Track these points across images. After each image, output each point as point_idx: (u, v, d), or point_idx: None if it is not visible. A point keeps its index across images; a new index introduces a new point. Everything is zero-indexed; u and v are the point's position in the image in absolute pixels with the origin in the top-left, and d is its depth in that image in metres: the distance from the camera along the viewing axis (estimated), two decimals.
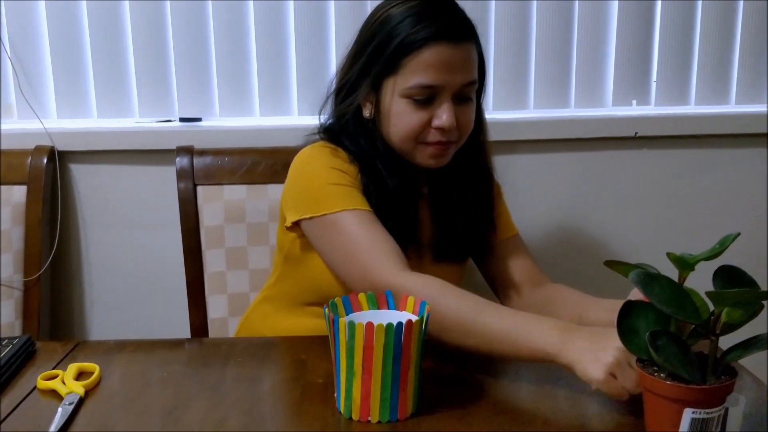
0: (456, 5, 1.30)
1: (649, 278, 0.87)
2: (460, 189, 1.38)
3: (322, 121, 1.39)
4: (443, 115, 1.25)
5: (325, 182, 1.27)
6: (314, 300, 1.35)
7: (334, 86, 1.37)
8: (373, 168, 1.31)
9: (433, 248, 1.38)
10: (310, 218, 1.26)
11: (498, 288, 1.46)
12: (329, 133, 1.37)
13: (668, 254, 0.88)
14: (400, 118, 1.27)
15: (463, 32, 1.26)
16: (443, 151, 1.29)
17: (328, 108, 1.38)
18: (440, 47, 1.23)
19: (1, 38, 1.75)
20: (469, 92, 1.28)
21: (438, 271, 1.22)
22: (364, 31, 1.32)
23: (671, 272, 0.89)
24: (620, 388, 0.95)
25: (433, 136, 1.28)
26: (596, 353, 0.97)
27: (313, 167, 1.31)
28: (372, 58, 1.28)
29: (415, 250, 1.33)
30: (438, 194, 1.38)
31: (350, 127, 1.33)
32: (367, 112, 1.32)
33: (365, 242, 1.21)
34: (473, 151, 1.38)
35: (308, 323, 1.37)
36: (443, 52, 1.23)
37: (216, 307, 1.66)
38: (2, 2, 1.75)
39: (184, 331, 1.67)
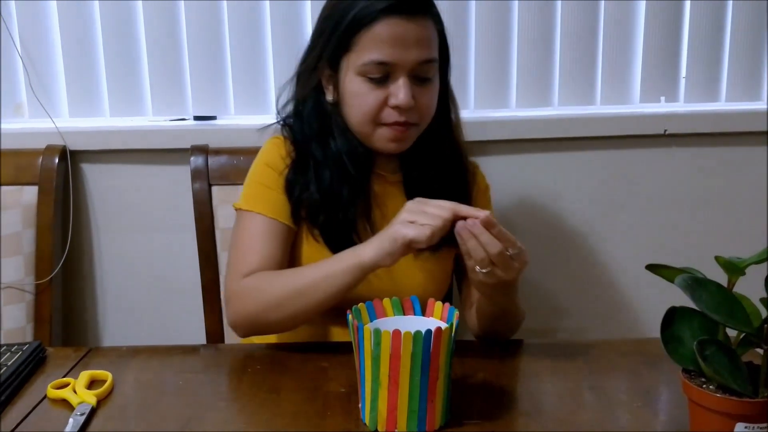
0: None
1: (696, 284, 0.82)
2: (433, 174, 1.33)
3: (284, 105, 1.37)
4: (399, 93, 1.21)
5: (253, 179, 1.32)
6: None
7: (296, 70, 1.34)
8: (314, 157, 1.29)
9: None
10: (236, 208, 1.31)
11: (462, 302, 1.39)
12: (287, 120, 1.35)
13: (717, 258, 0.83)
14: (356, 98, 1.24)
15: (417, 6, 1.21)
16: (402, 133, 1.25)
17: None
18: (392, 21, 1.19)
19: (12, 36, 1.71)
20: (427, 71, 1.24)
21: (421, 262, 1.27)
22: (323, 10, 1.29)
23: (713, 277, 0.84)
24: (423, 225, 1.03)
25: (390, 116, 1.23)
26: (389, 227, 1.07)
27: (256, 162, 1.34)
28: (328, 36, 1.25)
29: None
30: (411, 180, 1.33)
31: (306, 110, 1.31)
32: (329, 96, 1.29)
33: (242, 247, 1.27)
34: (444, 135, 1.34)
35: (302, 332, 1.32)
36: (396, 26, 1.19)
37: None
38: (14, 1, 1.71)
39: (199, 336, 1.63)
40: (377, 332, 0.89)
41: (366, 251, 1.10)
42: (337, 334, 1.30)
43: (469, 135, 1.71)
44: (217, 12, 1.72)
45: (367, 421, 0.94)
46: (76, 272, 1.80)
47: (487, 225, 1.03)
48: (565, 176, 1.79)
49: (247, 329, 1.23)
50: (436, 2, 1.28)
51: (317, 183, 1.27)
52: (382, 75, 1.21)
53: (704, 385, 0.82)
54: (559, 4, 1.74)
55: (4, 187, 1.65)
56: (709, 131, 1.77)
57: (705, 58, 1.78)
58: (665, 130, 1.75)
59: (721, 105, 1.80)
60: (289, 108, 1.35)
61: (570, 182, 1.80)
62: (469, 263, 1.05)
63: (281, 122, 1.36)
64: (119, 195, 1.77)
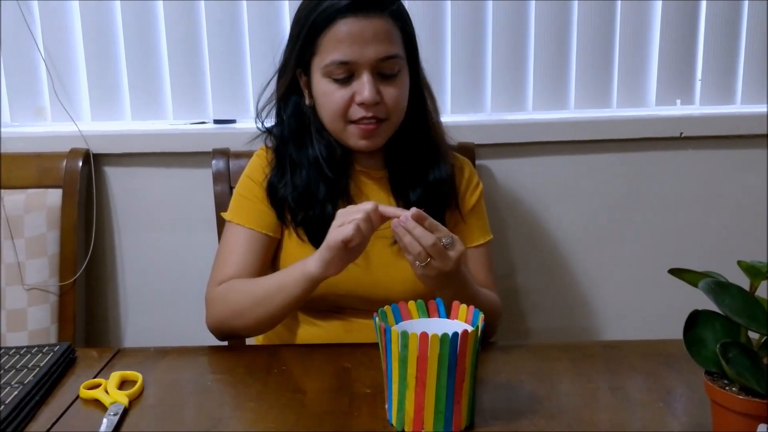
0: None
1: (719, 287, 0.84)
2: (415, 169, 1.37)
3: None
4: (363, 90, 1.25)
5: (236, 191, 1.40)
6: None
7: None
8: (292, 159, 1.35)
9: None
10: (225, 218, 1.39)
11: None
12: (271, 128, 1.41)
13: (739, 262, 0.84)
14: (324, 98, 1.29)
15: (371, 5, 1.24)
16: (372, 130, 1.29)
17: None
18: (348, 21, 1.24)
19: (36, 42, 1.74)
20: (390, 67, 1.27)
21: (399, 259, 1.27)
22: (294, 14, 1.33)
23: (730, 279, 0.86)
24: (349, 223, 1.10)
25: (357, 113, 1.28)
26: (327, 237, 1.13)
27: (243, 174, 1.41)
28: (295, 41, 1.31)
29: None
30: (395, 176, 1.38)
31: (286, 114, 1.37)
32: (307, 99, 1.35)
33: (221, 255, 1.36)
34: (422, 129, 1.37)
35: (305, 333, 1.38)
36: (352, 25, 1.24)
37: None
38: (37, 5, 1.73)
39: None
40: (405, 334, 0.91)
41: (310, 264, 1.17)
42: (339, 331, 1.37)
43: (486, 138, 1.75)
44: (237, 17, 1.74)
45: (393, 421, 0.96)
46: (98, 273, 1.82)
47: (419, 219, 1.09)
48: (581, 179, 1.81)
49: (219, 333, 1.33)
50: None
51: (294, 183, 1.33)
52: (346, 74, 1.26)
53: (727, 387, 0.83)
54: (575, 7, 1.75)
55: (29, 190, 1.68)
56: (724, 134, 1.78)
57: (720, 61, 1.79)
58: (681, 133, 1.76)
59: (737, 108, 1.81)
60: (273, 114, 1.41)
61: (586, 185, 1.81)
62: (408, 259, 1.11)
63: (263, 130, 1.42)
64: (141, 197, 1.79)
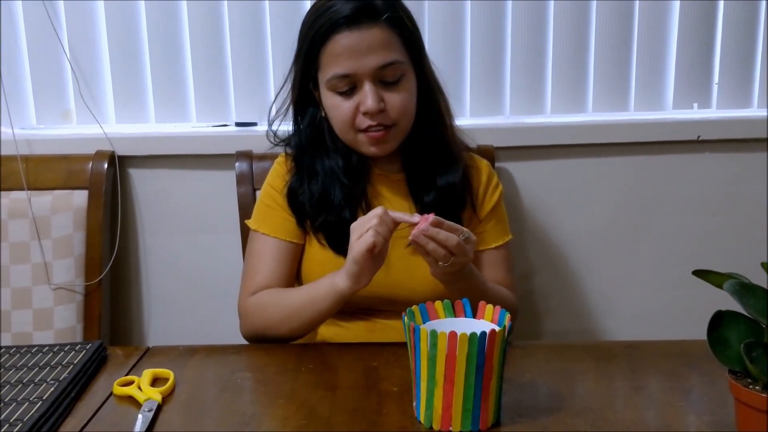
0: None
1: (744, 289, 0.86)
2: (432, 170, 1.39)
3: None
4: (366, 100, 1.28)
5: (260, 200, 1.45)
6: None
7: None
8: (309, 168, 1.39)
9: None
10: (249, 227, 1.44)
11: None
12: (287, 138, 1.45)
13: (763, 264, 0.86)
14: (333, 111, 1.33)
15: (363, 15, 1.26)
16: (382, 137, 1.31)
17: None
18: (343, 35, 1.26)
19: (62, 45, 1.77)
20: (392, 74, 1.29)
21: (416, 260, 1.28)
22: (299, 30, 1.36)
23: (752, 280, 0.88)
24: (367, 232, 1.13)
25: (364, 122, 1.30)
26: (348, 253, 1.17)
27: (264, 184, 1.45)
28: (298, 58, 1.35)
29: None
30: (413, 178, 1.40)
31: (302, 125, 1.41)
32: (322, 112, 1.38)
33: (250, 266, 1.41)
34: (436, 130, 1.39)
35: (328, 333, 1.41)
36: (346, 39, 1.26)
37: None
38: (63, 9, 1.76)
39: (241, 336, 1.67)
40: (434, 333, 0.93)
41: (339, 281, 1.22)
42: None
43: (505, 141, 1.76)
44: (260, 20, 1.77)
45: (422, 419, 0.98)
46: (123, 274, 1.85)
47: (437, 224, 1.13)
48: (599, 181, 1.82)
49: (254, 341, 1.37)
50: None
51: (311, 191, 1.37)
52: (349, 86, 1.29)
53: (751, 386, 0.85)
54: (593, 10, 1.77)
55: (56, 192, 1.71)
56: (742, 137, 1.79)
57: (738, 65, 1.81)
58: (698, 136, 1.78)
59: (754, 111, 1.82)
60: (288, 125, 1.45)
61: (604, 187, 1.83)
62: (428, 260, 1.16)
63: (276, 143, 1.46)
64: (165, 199, 1.82)
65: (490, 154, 1.72)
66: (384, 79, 1.29)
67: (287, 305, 1.30)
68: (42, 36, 1.77)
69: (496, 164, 1.75)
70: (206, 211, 1.82)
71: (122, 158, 1.78)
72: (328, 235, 1.37)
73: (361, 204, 1.37)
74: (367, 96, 1.28)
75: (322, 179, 1.37)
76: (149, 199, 1.82)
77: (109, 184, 1.74)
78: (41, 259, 1.69)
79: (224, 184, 1.76)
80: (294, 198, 1.39)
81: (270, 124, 1.45)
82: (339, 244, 1.34)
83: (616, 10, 1.77)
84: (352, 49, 1.26)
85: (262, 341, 1.34)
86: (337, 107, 1.31)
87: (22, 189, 1.70)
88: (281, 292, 1.34)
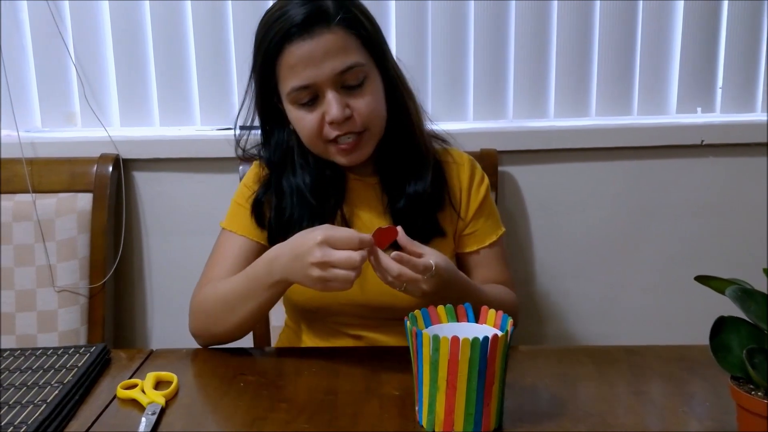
0: None
1: (745, 294, 0.86)
2: (405, 171, 1.33)
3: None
4: (330, 109, 1.22)
5: (234, 199, 1.40)
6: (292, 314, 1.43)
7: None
8: (278, 185, 1.34)
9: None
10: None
11: None
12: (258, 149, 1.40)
13: (765, 270, 0.86)
14: (298, 124, 1.27)
15: (314, 21, 1.19)
16: (353, 146, 1.26)
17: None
18: (295, 46, 1.20)
19: (68, 48, 1.77)
20: (353, 78, 1.23)
21: None
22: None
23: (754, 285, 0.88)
24: (333, 287, 1.07)
25: (332, 132, 1.24)
26: (300, 262, 1.08)
27: (240, 183, 1.42)
28: (255, 72, 1.28)
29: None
30: (387, 181, 1.35)
31: (270, 139, 1.36)
32: (290, 125, 1.31)
33: (209, 262, 1.36)
34: (406, 130, 1.33)
35: (308, 340, 1.40)
36: (299, 49, 1.20)
37: (278, 316, 1.66)
38: (68, 12, 1.77)
39: (245, 340, 1.67)
40: (436, 338, 0.93)
41: (278, 271, 1.15)
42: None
43: (508, 145, 1.77)
44: None
45: (424, 423, 0.98)
46: (127, 276, 1.86)
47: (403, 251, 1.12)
48: (601, 185, 1.83)
49: (201, 341, 1.32)
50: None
51: (279, 208, 1.32)
52: (310, 97, 1.23)
53: (752, 392, 0.85)
54: (597, 15, 1.77)
55: (60, 194, 1.72)
56: (745, 141, 1.79)
57: (741, 69, 1.81)
58: (702, 141, 1.78)
59: (758, 115, 1.83)
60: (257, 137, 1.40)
61: (607, 191, 1.83)
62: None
63: (244, 157, 1.42)
64: (169, 202, 1.83)
65: (493, 157, 1.72)
66: (346, 84, 1.23)
67: (225, 297, 1.24)
68: (47, 39, 1.78)
69: (499, 168, 1.75)
70: (210, 214, 1.81)
71: (126, 161, 1.79)
72: None
73: (334, 219, 1.33)
74: (331, 105, 1.21)
75: (290, 199, 1.32)
76: (153, 202, 1.83)
77: (113, 187, 1.75)
78: (45, 261, 1.70)
79: (228, 187, 1.76)
80: (259, 210, 1.35)
81: (237, 142, 1.40)
82: None
83: (619, 15, 1.78)
84: (307, 58, 1.20)
85: (209, 342, 1.30)
86: (301, 120, 1.25)
87: (26, 192, 1.71)
88: (220, 284, 1.27)
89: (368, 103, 1.24)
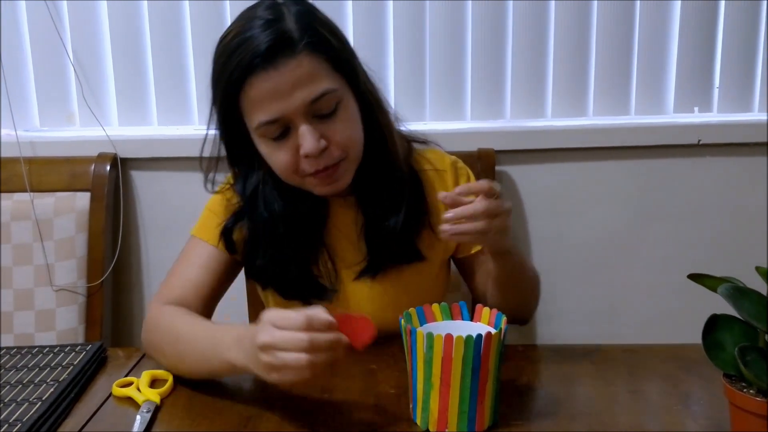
0: (267, 20, 1.09)
1: (738, 292, 0.86)
2: (381, 188, 1.24)
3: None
4: (304, 143, 1.10)
5: (207, 206, 1.31)
6: None
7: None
8: (252, 221, 1.24)
9: (370, 256, 1.27)
10: None
11: (479, 297, 1.36)
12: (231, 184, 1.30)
13: (757, 268, 0.87)
14: (270, 158, 1.15)
15: (278, 50, 1.06)
16: (331, 176, 1.15)
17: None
18: (258, 78, 1.07)
19: (66, 48, 1.78)
20: (326, 105, 1.10)
21: (377, 292, 1.25)
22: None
23: (749, 284, 0.88)
24: (288, 376, 0.92)
25: (309, 166, 1.13)
26: (254, 356, 0.95)
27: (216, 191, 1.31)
28: (215, 106, 1.17)
29: (348, 266, 1.27)
30: (363, 200, 1.26)
31: (240, 171, 1.25)
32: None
33: (175, 269, 1.27)
34: (379, 147, 1.22)
35: None
36: (264, 81, 1.07)
37: None
38: (67, 12, 1.77)
39: None
40: (430, 336, 0.93)
41: (233, 357, 1.01)
42: None
43: (505, 144, 1.77)
44: None
45: (418, 421, 0.99)
46: (125, 276, 1.86)
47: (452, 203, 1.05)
48: (599, 185, 1.83)
49: (147, 354, 1.23)
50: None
51: (251, 245, 1.24)
52: (281, 130, 1.11)
53: (745, 390, 0.85)
54: (594, 15, 1.78)
55: (58, 194, 1.72)
56: (742, 141, 1.79)
57: (738, 69, 1.81)
58: (699, 140, 1.78)
59: (755, 115, 1.82)
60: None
61: (604, 191, 1.83)
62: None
63: (214, 191, 1.30)
64: (167, 201, 1.83)
65: (490, 157, 1.73)
66: (319, 113, 1.11)
67: (177, 347, 1.12)
68: (45, 38, 1.78)
69: (497, 167, 1.75)
70: None
71: (125, 161, 1.79)
72: (264, 283, 1.28)
73: (316, 253, 1.26)
74: (305, 138, 1.09)
75: (264, 239, 1.22)
76: (151, 202, 1.83)
77: (111, 186, 1.75)
78: (43, 260, 1.70)
79: None
80: (229, 238, 1.25)
81: (206, 176, 1.28)
82: (282, 289, 1.25)
83: (617, 14, 1.78)
84: (273, 92, 1.07)
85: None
86: (273, 154, 1.14)
87: (24, 191, 1.72)
88: (180, 320, 1.15)
89: (344, 131, 1.14)
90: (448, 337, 0.93)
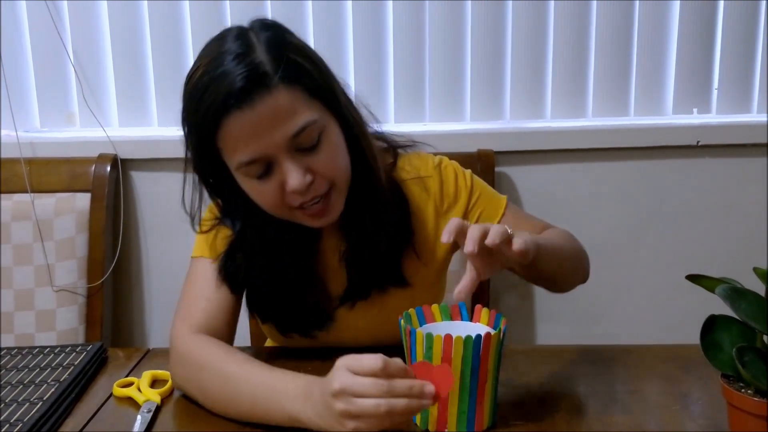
0: (237, 54, 1.01)
1: (736, 293, 0.86)
2: (364, 207, 1.17)
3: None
4: (289, 180, 1.04)
5: (201, 228, 1.22)
6: None
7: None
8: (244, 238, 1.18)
9: (351, 282, 1.22)
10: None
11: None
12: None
13: (755, 269, 0.87)
14: (255, 195, 1.09)
15: (252, 87, 0.99)
16: (320, 210, 1.10)
17: None
18: (233, 118, 1.00)
19: (66, 49, 1.78)
20: (309, 138, 1.04)
21: (381, 301, 1.22)
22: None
23: (747, 285, 0.89)
24: (365, 424, 0.85)
25: (295, 200, 1.07)
26: (325, 406, 0.89)
27: (207, 209, 1.23)
28: (189, 146, 1.11)
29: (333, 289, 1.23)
30: (346, 221, 1.18)
31: (225, 206, 1.19)
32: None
33: (190, 293, 1.19)
34: (361, 168, 1.15)
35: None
36: (240, 120, 1.00)
37: None
38: (67, 13, 1.78)
39: (243, 338, 1.68)
40: (429, 336, 0.94)
41: (298, 410, 0.94)
42: None
43: (505, 145, 1.77)
44: None
45: (418, 421, 0.99)
46: (125, 276, 1.86)
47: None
48: (598, 186, 1.83)
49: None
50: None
51: (249, 274, 1.18)
52: (263, 167, 1.04)
53: (743, 390, 0.86)
54: (593, 17, 1.78)
55: (58, 194, 1.73)
56: (741, 142, 1.80)
57: (737, 70, 1.81)
58: (698, 141, 1.78)
59: (754, 116, 1.83)
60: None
61: (603, 192, 1.83)
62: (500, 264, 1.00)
63: (202, 231, 1.22)
64: (167, 201, 1.82)
65: (490, 158, 1.73)
66: (301, 147, 1.04)
67: (229, 400, 1.03)
68: (46, 39, 1.79)
69: (496, 168, 1.75)
70: None
71: (125, 161, 1.80)
72: (263, 317, 1.24)
73: (309, 283, 1.21)
74: (290, 174, 1.03)
75: (259, 275, 1.18)
76: (151, 202, 1.84)
77: (111, 186, 1.75)
78: (44, 261, 1.70)
79: None
80: (231, 276, 1.19)
81: (192, 219, 1.19)
82: (281, 324, 1.22)
83: (616, 15, 1.78)
84: (251, 131, 1.00)
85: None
86: (257, 191, 1.08)
87: (25, 191, 1.72)
88: (230, 354, 1.09)
89: (329, 161, 1.07)
90: (448, 338, 0.93)
